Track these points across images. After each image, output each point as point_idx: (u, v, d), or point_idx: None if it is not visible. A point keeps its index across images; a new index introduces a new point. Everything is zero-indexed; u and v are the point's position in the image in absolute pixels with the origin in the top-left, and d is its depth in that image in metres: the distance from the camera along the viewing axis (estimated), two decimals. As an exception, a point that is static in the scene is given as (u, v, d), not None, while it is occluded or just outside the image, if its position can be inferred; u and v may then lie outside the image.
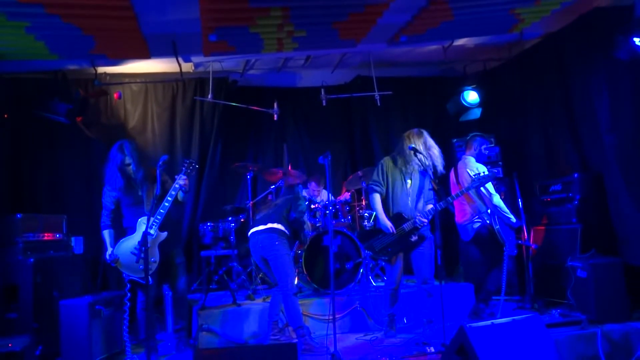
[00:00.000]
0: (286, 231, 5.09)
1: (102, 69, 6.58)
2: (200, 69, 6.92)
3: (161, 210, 4.52)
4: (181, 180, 4.59)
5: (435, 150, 4.95)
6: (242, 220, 6.54)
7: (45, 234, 5.33)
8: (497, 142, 6.84)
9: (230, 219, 6.38)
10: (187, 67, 6.73)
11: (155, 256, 4.51)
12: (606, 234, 5.43)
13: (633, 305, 4.98)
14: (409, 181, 4.93)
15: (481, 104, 6.89)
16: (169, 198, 4.54)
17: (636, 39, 4.70)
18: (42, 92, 6.17)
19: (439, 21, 5.48)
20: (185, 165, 4.68)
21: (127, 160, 4.67)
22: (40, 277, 4.87)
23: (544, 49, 6.39)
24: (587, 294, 5.01)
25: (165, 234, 4.58)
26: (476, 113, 6.96)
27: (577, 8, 5.56)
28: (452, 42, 6.50)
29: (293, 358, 3.49)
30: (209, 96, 6.61)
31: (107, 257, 4.58)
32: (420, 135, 4.95)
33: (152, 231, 4.46)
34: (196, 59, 6.42)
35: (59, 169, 6.61)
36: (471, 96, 6.89)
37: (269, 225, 5.07)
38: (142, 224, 4.52)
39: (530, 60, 6.63)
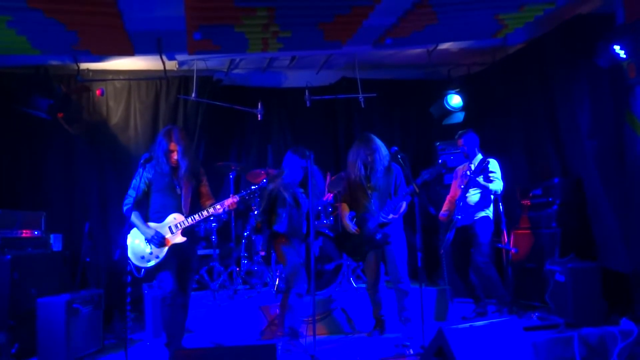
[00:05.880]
0: (281, 229, 5.01)
1: (84, 65, 6.51)
2: (185, 67, 6.87)
3: (189, 219, 4.39)
4: (228, 200, 4.39)
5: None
6: (224, 220, 6.50)
7: (24, 231, 5.26)
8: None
9: (212, 218, 6.31)
10: (171, 65, 6.68)
11: (159, 254, 4.33)
12: (585, 239, 5.49)
13: (610, 310, 5.04)
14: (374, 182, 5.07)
15: (464, 107, 6.94)
16: (205, 212, 4.38)
17: (616, 47, 4.77)
18: (23, 87, 6.07)
19: (423, 24, 5.50)
20: (248, 192, 4.49)
21: (173, 147, 4.47)
22: (18, 274, 4.80)
23: (527, 55, 6.45)
24: (565, 297, 5.06)
25: (184, 239, 4.40)
26: (459, 117, 7.02)
27: (560, 15, 5.63)
28: (437, 46, 6.53)
29: (272, 359, 3.48)
30: (193, 95, 6.56)
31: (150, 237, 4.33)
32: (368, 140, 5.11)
33: (173, 229, 4.38)
34: (180, 57, 6.38)
35: (39, 165, 6.52)
36: (455, 100, 6.93)
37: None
38: (171, 218, 4.39)
39: (513, 66, 6.69)
